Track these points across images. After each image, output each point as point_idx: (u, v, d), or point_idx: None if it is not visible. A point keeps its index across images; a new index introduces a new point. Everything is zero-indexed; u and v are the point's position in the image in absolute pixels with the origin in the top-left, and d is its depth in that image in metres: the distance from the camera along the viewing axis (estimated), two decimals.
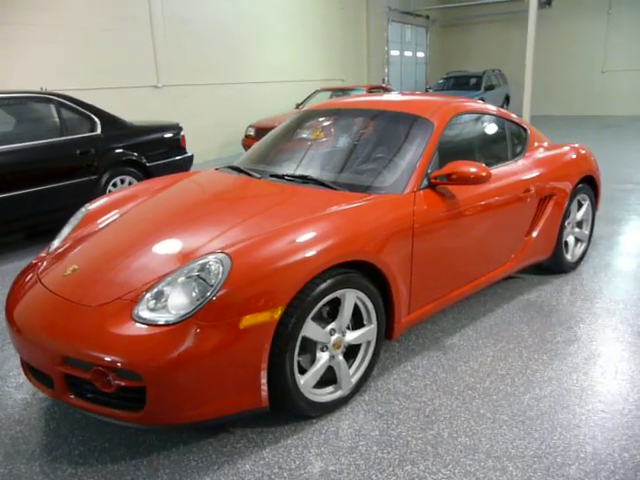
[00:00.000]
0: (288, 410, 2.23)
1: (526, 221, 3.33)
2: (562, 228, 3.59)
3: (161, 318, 1.93)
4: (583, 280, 3.73)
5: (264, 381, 2.04)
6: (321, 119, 3.48)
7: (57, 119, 5.00)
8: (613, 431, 2.17)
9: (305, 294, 2.09)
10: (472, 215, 2.85)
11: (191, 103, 9.30)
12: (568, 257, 3.78)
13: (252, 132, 8.93)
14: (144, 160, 5.64)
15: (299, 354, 2.22)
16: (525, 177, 3.26)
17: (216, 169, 3.34)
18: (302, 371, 2.23)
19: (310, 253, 2.10)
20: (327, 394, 2.32)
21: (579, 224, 3.89)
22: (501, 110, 3.51)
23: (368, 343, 2.45)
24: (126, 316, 1.98)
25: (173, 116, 7.40)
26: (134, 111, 7.21)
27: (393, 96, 3.56)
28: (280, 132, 3.49)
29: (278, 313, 2.00)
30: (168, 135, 6.06)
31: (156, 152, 5.85)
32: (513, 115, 3.62)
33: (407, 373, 2.63)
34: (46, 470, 2.05)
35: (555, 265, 3.72)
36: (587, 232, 3.96)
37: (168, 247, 2.32)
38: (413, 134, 2.86)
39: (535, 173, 3.34)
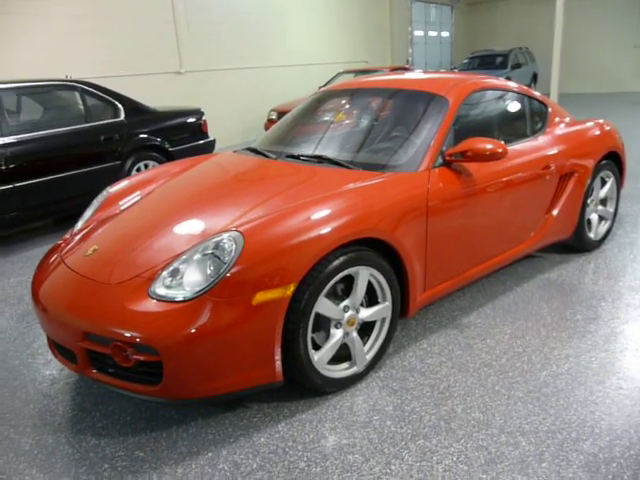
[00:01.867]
0: (303, 386, 2.27)
1: (546, 199, 3.28)
2: (584, 206, 3.52)
3: (177, 295, 1.98)
4: (607, 258, 3.66)
5: (278, 356, 2.08)
6: (337, 100, 3.47)
7: (82, 106, 5.11)
8: (631, 407, 2.15)
9: (318, 271, 2.11)
10: (489, 193, 2.82)
11: (214, 89, 9.35)
12: (591, 235, 3.71)
13: (274, 116, 8.93)
14: (167, 145, 5.72)
15: (314, 331, 2.26)
16: (545, 154, 3.20)
17: (234, 151, 3.38)
18: (317, 347, 2.26)
19: (323, 231, 2.12)
20: (342, 370, 2.35)
21: (603, 202, 3.80)
22: (521, 86, 3.44)
23: (383, 320, 2.46)
24: (143, 293, 2.04)
25: (196, 102, 7.46)
26: (157, 97, 7.28)
27: (410, 74, 3.52)
28: (297, 113, 3.49)
29: (291, 290, 2.03)
30: (190, 120, 6.13)
31: (178, 137, 5.92)
32: (534, 91, 3.54)
33: (423, 351, 2.64)
34: (71, 441, 2.14)
35: (577, 243, 3.66)
36: (611, 210, 3.87)
37: (185, 227, 2.36)
38: (428, 112, 2.83)
39: (555, 150, 3.27)
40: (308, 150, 2.98)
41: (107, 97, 5.30)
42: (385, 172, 2.58)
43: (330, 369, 2.30)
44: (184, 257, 2.09)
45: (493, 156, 2.59)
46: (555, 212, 3.33)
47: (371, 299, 2.43)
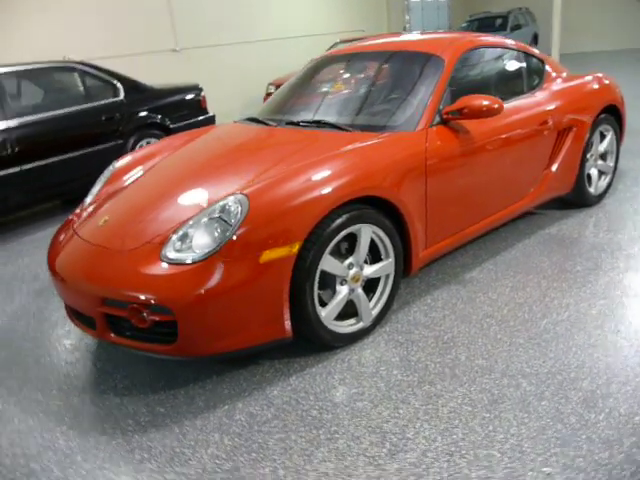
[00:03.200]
0: (312, 341, 2.37)
1: (544, 154, 3.32)
2: (584, 161, 3.56)
3: (187, 257, 2.07)
4: (607, 212, 3.71)
5: (287, 313, 2.18)
6: (333, 66, 3.49)
7: (81, 87, 5.15)
8: (628, 348, 2.23)
9: (321, 229, 2.18)
10: (487, 150, 2.87)
11: (210, 65, 9.32)
12: (591, 190, 3.75)
13: (272, 89, 8.91)
14: (167, 122, 5.76)
15: (320, 288, 2.34)
16: (542, 109, 3.23)
17: (234, 122, 3.43)
18: (324, 304, 2.35)
19: (324, 190, 2.19)
20: (349, 326, 2.44)
21: (602, 156, 3.83)
22: (517, 43, 3.45)
23: (387, 277, 2.54)
24: (155, 257, 2.12)
25: (193, 79, 7.45)
26: (154, 76, 7.29)
27: (405, 36, 3.53)
28: (294, 82, 3.52)
29: (296, 248, 2.11)
30: (189, 96, 6.14)
31: (178, 114, 5.95)
32: (531, 47, 3.55)
33: (427, 306, 2.73)
34: (95, 401, 2.26)
35: (577, 198, 3.71)
36: (611, 164, 3.90)
37: (191, 195, 2.43)
38: (424, 72, 2.87)
39: (552, 105, 3.30)
40: (307, 116, 3.03)
41: (106, 77, 5.33)
42: (383, 133, 2.63)
43: (338, 325, 2.39)
44: (192, 222, 2.17)
45: (489, 112, 2.63)
46: (554, 167, 3.38)
47: (375, 257, 2.51)
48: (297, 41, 11.11)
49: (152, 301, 2.02)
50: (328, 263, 2.26)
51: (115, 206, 2.60)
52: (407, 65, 3.05)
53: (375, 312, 2.52)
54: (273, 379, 2.28)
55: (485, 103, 2.62)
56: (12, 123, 4.53)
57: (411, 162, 2.51)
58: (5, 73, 4.64)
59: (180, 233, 2.16)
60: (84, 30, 7.54)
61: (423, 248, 2.70)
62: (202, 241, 2.10)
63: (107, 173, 3.04)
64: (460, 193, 2.80)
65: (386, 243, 2.47)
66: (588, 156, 3.63)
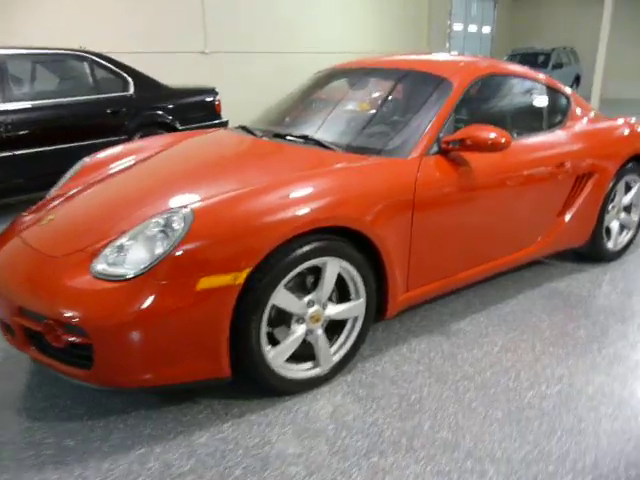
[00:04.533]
0: (257, 384, 2.07)
1: (558, 200, 2.98)
2: (603, 212, 3.20)
3: (116, 273, 1.80)
4: (625, 271, 3.33)
5: (225, 350, 1.88)
6: (336, 80, 3.23)
7: (90, 77, 4.99)
8: (624, 442, 1.87)
9: (277, 259, 1.89)
10: (490, 188, 2.55)
11: (238, 71, 9.19)
12: (609, 245, 3.38)
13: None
14: (177, 123, 5.57)
15: (275, 325, 2.05)
16: (560, 150, 2.90)
17: (225, 129, 3.19)
18: (277, 343, 2.05)
19: (287, 214, 1.90)
20: (303, 370, 2.13)
21: (627, 209, 3.46)
22: (539, 74, 3.13)
23: (355, 319, 2.23)
24: (83, 268, 1.86)
25: (219, 83, 7.29)
26: (180, 77, 7.15)
27: (418, 55, 3.25)
28: (294, 93, 3.27)
29: (242, 277, 1.82)
30: (203, 99, 5.96)
31: (189, 116, 5.75)
32: (556, 81, 3.23)
33: (400, 356, 2.40)
34: (4, 420, 1.99)
35: (593, 253, 3.34)
36: (636, 218, 3.52)
37: (145, 203, 2.16)
38: (428, 94, 2.57)
39: (573, 146, 2.96)
40: (296, 130, 2.75)
41: (117, 70, 5.17)
42: (371, 156, 2.34)
43: (289, 368, 2.09)
44: (131, 232, 1.90)
45: (495, 146, 2.31)
46: (568, 216, 3.03)
47: (344, 295, 2.20)
48: (330, 57, 10.90)
49: (65, 319, 1.75)
50: (282, 298, 1.96)
51: (66, 206, 2.36)
52: (413, 86, 2.77)
53: (336, 358, 2.20)
54: (205, 423, 1.98)
55: (491, 136, 2.31)
56: (11, 106, 4.38)
57: (397, 193, 2.21)
58: (10, 55, 4.51)
59: (117, 243, 1.89)
60: (109, 23, 7.48)
61: (403, 290, 2.38)
62: (138, 256, 1.83)
63: (76, 167, 2.82)
64: (453, 234, 2.48)
65: (357, 281, 2.16)
66: (609, 207, 3.27)
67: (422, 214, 2.29)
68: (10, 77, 4.47)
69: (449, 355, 2.41)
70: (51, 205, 2.41)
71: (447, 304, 2.88)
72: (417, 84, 2.71)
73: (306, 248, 1.95)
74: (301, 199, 1.96)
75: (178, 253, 1.76)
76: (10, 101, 4.39)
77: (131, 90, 5.21)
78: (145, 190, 2.31)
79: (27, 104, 4.49)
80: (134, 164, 2.72)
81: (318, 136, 2.58)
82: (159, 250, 1.80)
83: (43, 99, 4.62)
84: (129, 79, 5.23)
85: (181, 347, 1.81)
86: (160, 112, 5.43)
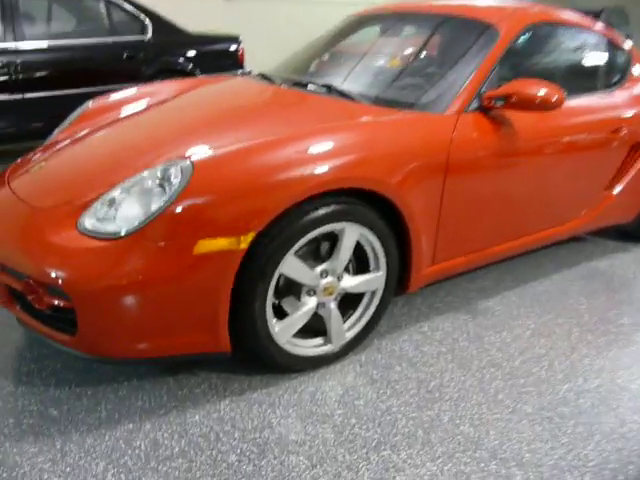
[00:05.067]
0: (260, 359, 1.87)
1: (608, 171, 2.66)
2: None
3: (104, 230, 1.59)
4: None
5: (224, 322, 1.67)
6: (368, 25, 2.90)
7: (106, 18, 4.70)
8: None
9: (287, 222, 1.66)
10: (533, 154, 2.25)
11: (264, 20, 8.74)
12: None
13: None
14: (197, 72, 5.28)
15: (282, 295, 1.84)
16: (617, 114, 2.57)
17: (242, 74, 2.92)
18: (284, 315, 1.84)
19: (301, 171, 1.65)
20: (312, 347, 1.93)
21: None
22: (600, 26, 2.77)
23: (373, 293, 2.01)
24: (70, 223, 1.65)
25: (243, 32, 6.92)
26: (201, 24, 6.79)
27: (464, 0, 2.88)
28: (319, 40, 2.96)
29: (247, 241, 1.60)
30: (226, 47, 5.63)
31: (211, 64, 5.43)
32: (616, 34, 2.86)
33: (422, 335, 2.18)
34: None
35: None
36: None
37: (145, 153, 1.93)
38: (471, 43, 2.24)
39: (631, 111, 2.62)
40: (320, 79, 2.47)
41: (134, 11, 4.85)
42: (403, 110, 2.06)
43: (296, 344, 1.89)
44: (125, 184, 1.68)
45: (544, 104, 2.01)
46: (617, 189, 2.71)
47: (362, 266, 1.97)
48: (365, 5, 10.37)
49: (46, 279, 1.55)
50: (291, 266, 1.74)
51: (60, 153, 2.14)
52: (453, 33, 2.44)
53: (350, 335, 1.99)
54: (201, 399, 1.80)
55: (541, 92, 2.00)
56: (22, 45, 4.15)
57: (429, 153, 1.94)
58: None
59: (108, 197, 1.67)
60: None
61: (429, 264, 2.13)
62: (130, 212, 1.61)
63: (77, 112, 2.59)
64: (488, 202, 2.20)
65: (377, 251, 1.93)
66: None
67: (455, 178, 2.02)
68: (22, 15, 4.21)
69: (475, 337, 2.18)
70: (46, 152, 2.20)
71: (475, 279, 2.63)
72: (458, 31, 2.38)
73: (321, 211, 1.71)
74: (319, 155, 1.71)
75: (173, 211, 1.54)
76: (21, 40, 4.15)
77: (149, 34, 4.91)
78: (148, 139, 2.08)
79: (38, 44, 4.25)
80: (141, 110, 2.48)
81: (343, 86, 2.29)
82: (154, 206, 1.58)
83: (55, 39, 4.36)
84: (147, 22, 4.92)
85: (174, 317, 1.61)
86: (179, 59, 5.13)
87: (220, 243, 1.56)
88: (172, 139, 1.99)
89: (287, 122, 2.00)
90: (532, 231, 2.49)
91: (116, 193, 1.67)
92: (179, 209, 1.54)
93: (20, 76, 4.11)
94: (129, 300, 1.55)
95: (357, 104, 2.15)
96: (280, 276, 1.76)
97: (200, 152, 1.69)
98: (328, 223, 1.74)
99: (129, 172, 1.75)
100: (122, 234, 1.56)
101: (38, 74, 4.23)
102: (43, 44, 4.27)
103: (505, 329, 2.24)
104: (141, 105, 2.55)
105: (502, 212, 2.28)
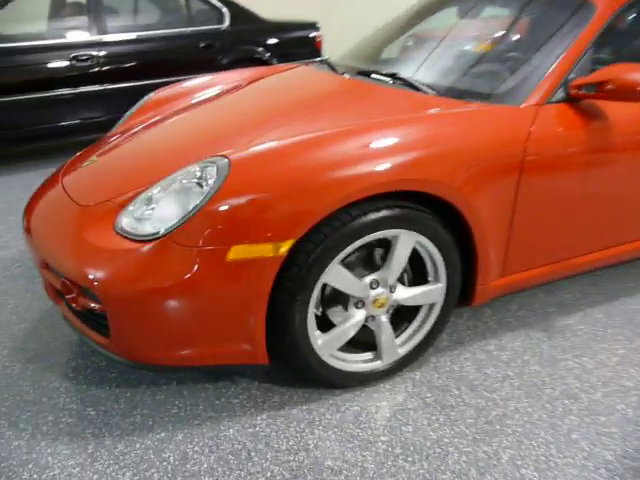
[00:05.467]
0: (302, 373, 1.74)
1: None
2: None
3: (139, 232, 1.52)
4: None
5: (261, 332, 1.55)
6: (447, 6, 2.63)
7: (184, 8, 4.74)
8: None
9: (333, 227, 1.50)
10: (630, 151, 1.93)
11: (347, 5, 8.52)
12: None
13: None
14: (274, 61, 5.21)
15: (328, 304, 1.69)
16: None
17: (307, 63, 2.78)
18: (330, 326, 1.69)
19: (351, 171, 1.49)
20: (360, 362, 1.77)
21: None
22: None
23: (431, 307, 1.80)
24: (107, 222, 1.60)
25: (324, 19, 6.76)
26: (280, 11, 6.72)
27: None
28: (389, 23, 2.74)
29: (285, 248, 1.46)
30: (304, 35, 5.51)
31: (288, 52, 5.34)
32: None
33: (487, 354, 1.95)
34: (35, 377, 1.85)
35: None
36: None
37: (193, 149, 1.85)
38: (561, 21, 1.94)
39: None
40: (387, 67, 2.27)
41: (213, 0, 4.86)
42: (474, 102, 1.82)
43: (342, 358, 1.73)
44: (164, 182, 1.60)
45: None
46: None
47: (419, 276, 1.78)
48: None
49: (79, 281, 1.51)
50: (336, 276, 1.58)
51: (112, 147, 2.11)
52: (542, 11, 2.14)
53: (403, 351, 1.80)
54: (238, 411, 1.70)
55: None
56: (105, 38, 4.26)
57: (501, 151, 1.69)
58: None
59: (145, 196, 1.60)
60: None
61: (498, 275, 1.89)
62: (166, 212, 1.52)
63: (138, 104, 2.57)
64: (572, 207, 1.91)
65: (437, 261, 1.72)
66: None
67: (532, 180, 1.76)
68: (104, 8, 4.33)
69: (549, 361, 1.91)
70: (101, 146, 2.18)
71: (555, 292, 2.33)
72: (546, 8, 2.08)
73: (372, 216, 1.53)
74: (372, 153, 1.53)
75: (205, 214, 1.43)
76: (104, 33, 4.27)
77: (226, 23, 4.89)
78: (198, 134, 2.00)
79: (120, 36, 4.35)
80: (197, 103, 2.41)
81: (410, 75, 2.08)
82: (189, 208, 1.48)
83: (135, 31, 4.45)
84: (224, 10, 4.91)
85: (208, 326, 1.51)
86: (256, 47, 5.08)
87: (255, 250, 1.44)
88: (222, 135, 1.89)
89: (342, 116, 1.84)
90: (626, 240, 2.15)
91: (154, 191, 1.59)
92: (211, 212, 1.43)
93: (101, 69, 4.23)
94: (161, 307, 1.46)
95: (424, 95, 1.94)
96: (324, 285, 1.61)
97: (243, 149, 1.57)
98: (379, 230, 1.56)
99: (172, 169, 1.67)
100: (157, 236, 1.48)
101: (117, 66, 4.33)
102: (123, 37, 4.36)
103: (586, 353, 1.95)
104: (201, 97, 2.48)
105: (589, 218, 1.98)
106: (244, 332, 1.54)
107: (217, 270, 1.44)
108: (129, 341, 1.55)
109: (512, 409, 1.69)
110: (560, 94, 1.81)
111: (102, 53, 4.22)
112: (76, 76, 4.17)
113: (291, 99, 2.15)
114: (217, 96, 2.41)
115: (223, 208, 1.43)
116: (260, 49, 5.10)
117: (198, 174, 1.55)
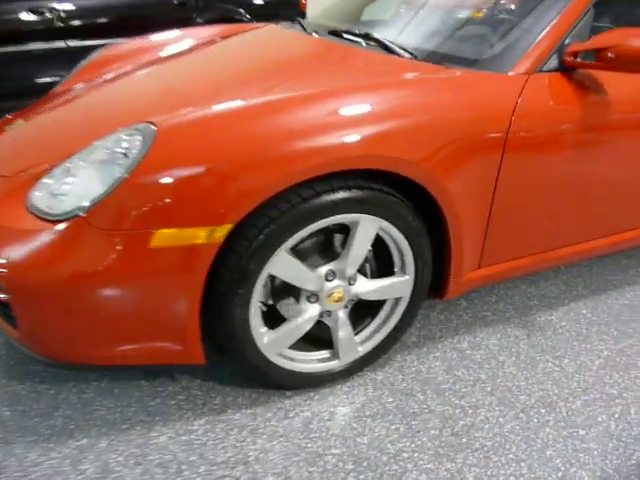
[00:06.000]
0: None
1: None
2: None
3: (53, 210, 1.28)
4: None
5: (195, 330, 1.34)
6: None
7: None
8: None
9: (278, 209, 1.28)
10: (630, 129, 1.71)
11: None
12: None
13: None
14: (254, 21, 4.88)
15: (281, 296, 1.49)
16: None
17: (277, 23, 2.51)
18: (278, 317, 1.49)
19: (303, 144, 1.26)
20: (314, 361, 1.57)
21: None
22: None
23: (396, 302, 1.60)
24: (19, 197, 1.36)
25: None
26: None
27: None
28: None
29: (221, 233, 1.24)
30: None
31: (270, 13, 5.02)
32: None
33: (458, 353, 1.76)
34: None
35: None
36: None
37: (133, 112, 1.61)
38: None
39: None
40: (361, 27, 2.01)
41: None
42: (454, 68, 1.58)
43: (292, 357, 1.53)
44: (83, 153, 1.36)
45: None
46: None
47: (385, 265, 1.57)
48: None
49: None
50: (284, 266, 1.37)
51: (45, 109, 1.85)
52: None
53: (363, 350, 1.61)
54: (173, 414, 1.50)
55: None
56: None
57: (482, 125, 1.47)
58: None
59: (62, 168, 1.36)
60: None
61: (474, 266, 1.69)
62: (86, 187, 1.28)
63: (85, 62, 2.30)
64: (561, 190, 1.70)
65: (404, 250, 1.51)
66: None
67: (516, 160, 1.54)
68: None
69: (527, 362, 1.73)
70: (35, 109, 1.92)
71: (538, 282, 2.14)
72: None
73: (327, 198, 1.31)
74: (331, 123, 1.30)
75: (124, 191, 1.20)
76: None
77: None
78: (142, 96, 1.75)
79: None
80: (149, 63, 2.14)
81: (386, 36, 1.83)
82: (107, 184, 1.25)
83: None
84: None
85: (128, 322, 1.30)
86: (234, 6, 4.74)
87: (185, 235, 1.21)
88: (163, 99, 1.64)
89: (302, 80, 1.60)
90: (618, 230, 1.95)
91: (75, 161, 1.35)
92: (130, 189, 1.20)
93: (64, 24, 3.91)
94: (73, 299, 1.24)
95: (399, 59, 1.69)
96: (273, 276, 1.40)
97: (175, 115, 1.33)
98: (336, 214, 1.34)
99: (100, 135, 1.43)
100: (70, 215, 1.25)
101: (83, 22, 4.00)
102: None
103: (568, 354, 1.76)
104: (153, 56, 2.22)
105: (578, 204, 1.77)
106: (174, 329, 1.32)
107: (138, 259, 1.22)
108: (39, 335, 1.33)
109: (482, 418, 1.51)
110: (553, 62, 1.58)
111: (65, 6, 3.89)
112: (34, 31, 3.85)
113: (249, 61, 1.89)
114: (170, 57, 2.15)
115: (144, 184, 1.19)
116: (240, 9, 4.77)
117: (125, 144, 1.31)
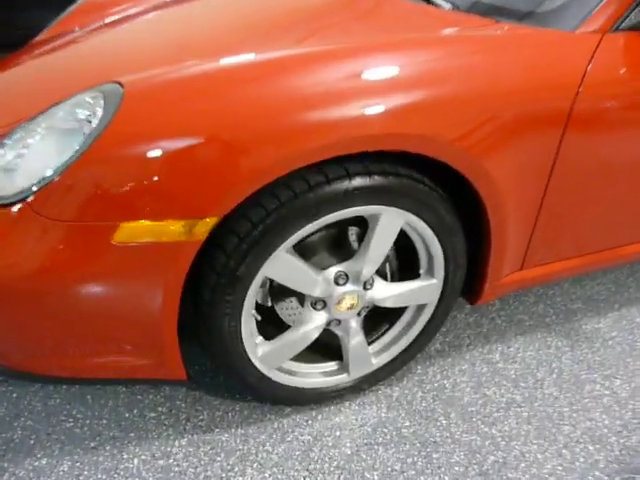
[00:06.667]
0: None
1: None
2: None
3: (1, 191, 1.03)
4: None
5: (172, 343, 1.10)
6: None
7: None
8: None
9: (278, 199, 1.01)
10: None
11: None
12: None
13: None
14: None
15: (282, 298, 1.23)
16: None
17: None
18: (278, 324, 1.24)
19: (312, 116, 0.98)
20: (319, 375, 1.33)
21: None
22: None
23: (419, 309, 1.34)
24: None
25: None
26: None
27: None
28: None
29: (204, 228, 0.97)
30: None
31: None
32: None
33: (489, 366, 1.50)
34: None
35: None
36: None
37: (99, 72, 1.33)
38: None
39: None
40: None
41: None
42: (507, 23, 1.26)
43: (294, 371, 1.29)
44: (47, 113, 1.09)
45: None
46: None
47: (406, 268, 1.30)
48: None
49: None
50: (284, 268, 1.10)
51: (17, 63, 1.58)
52: None
53: (378, 363, 1.36)
54: (151, 430, 1.28)
55: None
56: None
57: (541, 96, 1.16)
58: None
59: (19, 133, 1.10)
60: None
61: (516, 268, 1.41)
62: (41, 160, 1.03)
63: (70, 9, 2.00)
64: (630, 180, 1.39)
65: (432, 250, 1.23)
66: None
67: (581, 139, 1.23)
68: None
69: (571, 382, 1.46)
70: (11, 61, 1.65)
71: (581, 281, 1.85)
72: None
73: (341, 185, 1.03)
74: (347, 91, 1.00)
75: (78, 169, 0.94)
76: None
77: None
78: (126, 50, 1.47)
79: None
80: (143, 11, 1.84)
81: None
82: (62, 159, 0.99)
83: None
84: None
85: (91, 330, 1.06)
86: None
87: (157, 230, 0.95)
88: (147, 54, 1.36)
89: (316, 35, 1.30)
90: None
91: (25, 131, 1.08)
92: (87, 168, 0.93)
93: None
94: (23, 302, 1.01)
95: (438, 10, 1.38)
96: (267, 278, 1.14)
97: (151, 74, 1.05)
98: (351, 206, 1.07)
99: (66, 95, 1.15)
100: (18, 198, 0.99)
101: None
102: None
103: (620, 374, 1.49)
104: (146, 4, 1.91)
105: None
106: (147, 340, 1.08)
107: (97, 257, 0.96)
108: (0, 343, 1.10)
109: (516, 454, 1.26)
110: (635, 17, 1.25)
111: None
112: None
113: (258, 10, 1.58)
114: (166, 4, 1.84)
115: (104, 163, 0.93)
116: None
117: (85, 110, 1.04)
